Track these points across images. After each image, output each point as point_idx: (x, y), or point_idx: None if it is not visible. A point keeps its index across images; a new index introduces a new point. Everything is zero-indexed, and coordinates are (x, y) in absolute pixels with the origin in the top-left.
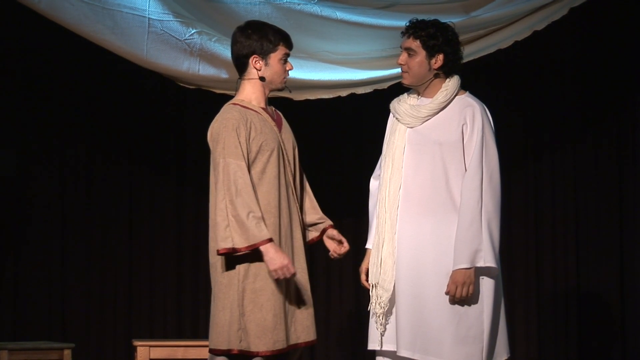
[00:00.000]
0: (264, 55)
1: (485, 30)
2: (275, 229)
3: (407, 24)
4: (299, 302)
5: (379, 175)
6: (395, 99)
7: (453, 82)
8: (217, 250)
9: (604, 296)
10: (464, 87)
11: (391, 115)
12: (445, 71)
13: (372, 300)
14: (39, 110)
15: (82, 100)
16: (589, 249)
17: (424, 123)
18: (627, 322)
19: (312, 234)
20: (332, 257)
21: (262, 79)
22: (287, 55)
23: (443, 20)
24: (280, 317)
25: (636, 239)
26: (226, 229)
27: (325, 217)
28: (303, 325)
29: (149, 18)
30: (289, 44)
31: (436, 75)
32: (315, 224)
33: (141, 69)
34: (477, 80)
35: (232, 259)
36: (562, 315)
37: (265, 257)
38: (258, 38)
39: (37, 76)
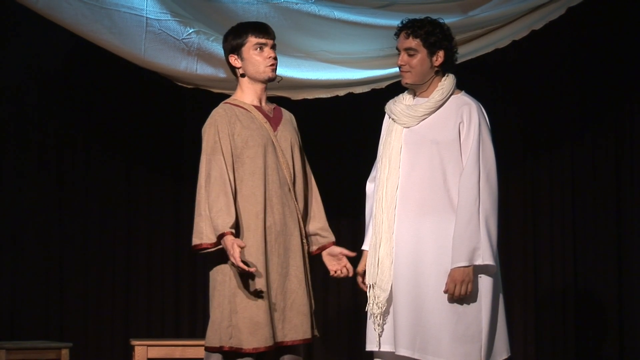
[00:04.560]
0: (237, 51)
1: (482, 29)
2: (262, 224)
3: (401, 25)
4: (290, 300)
5: (375, 177)
6: (390, 101)
7: (449, 81)
8: (190, 247)
9: (601, 295)
10: (461, 86)
11: (386, 116)
12: (445, 68)
13: (370, 300)
14: (37, 109)
15: (80, 99)
16: (587, 249)
17: (421, 122)
18: (624, 321)
19: (312, 246)
20: (333, 276)
21: (242, 75)
22: (260, 44)
23: (441, 20)
24: (268, 314)
25: (634, 238)
26: (199, 224)
27: (328, 230)
28: (291, 324)
29: (146, 17)
30: (258, 33)
31: (436, 73)
32: (315, 235)
33: (139, 68)
34: (475, 79)
35: (227, 256)
36: (559, 314)
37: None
38: (232, 38)
39: (35, 74)
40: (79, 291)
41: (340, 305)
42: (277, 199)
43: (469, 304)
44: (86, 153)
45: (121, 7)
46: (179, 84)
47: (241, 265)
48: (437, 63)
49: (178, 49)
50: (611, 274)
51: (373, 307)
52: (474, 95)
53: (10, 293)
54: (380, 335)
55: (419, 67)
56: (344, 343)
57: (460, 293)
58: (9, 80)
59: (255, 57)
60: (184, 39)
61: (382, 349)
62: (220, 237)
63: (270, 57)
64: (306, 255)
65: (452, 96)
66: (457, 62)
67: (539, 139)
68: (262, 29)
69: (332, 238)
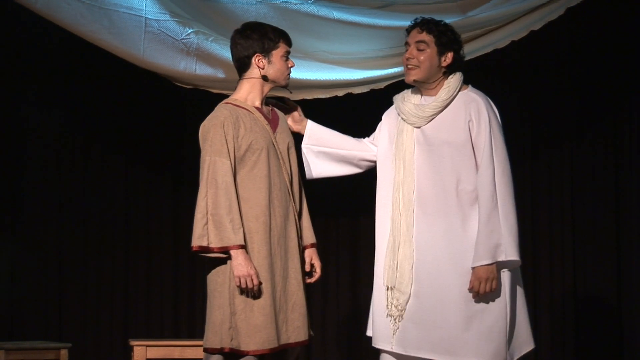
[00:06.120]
0: (267, 53)
1: (481, 30)
2: (266, 228)
3: (417, 20)
4: (291, 302)
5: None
6: (398, 95)
7: (455, 79)
8: (191, 247)
9: (601, 297)
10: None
11: (393, 109)
12: (451, 70)
13: (388, 302)
14: (36, 109)
15: (79, 100)
16: (586, 250)
17: (430, 122)
18: (624, 323)
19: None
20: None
21: (264, 77)
22: (288, 52)
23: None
24: (271, 317)
25: (633, 239)
26: (204, 227)
27: (311, 231)
28: (294, 326)
29: (145, 18)
30: (288, 41)
31: (443, 74)
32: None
33: (138, 68)
34: (474, 80)
35: (226, 259)
36: (559, 314)
37: (234, 262)
38: (258, 37)
39: (35, 74)
40: (78, 291)
41: (339, 305)
42: (279, 202)
43: (493, 300)
44: (85, 153)
45: (120, 7)
46: (178, 84)
47: (257, 283)
48: (444, 64)
49: (177, 49)
50: (611, 274)
51: (392, 310)
52: None
53: (10, 293)
54: (394, 335)
55: (427, 62)
56: (343, 343)
57: (485, 290)
58: (8, 80)
59: (283, 63)
60: (183, 39)
61: (395, 350)
62: (233, 248)
63: (291, 67)
64: (302, 255)
65: (460, 92)
66: None
67: (538, 139)
68: (289, 38)
69: (313, 240)
